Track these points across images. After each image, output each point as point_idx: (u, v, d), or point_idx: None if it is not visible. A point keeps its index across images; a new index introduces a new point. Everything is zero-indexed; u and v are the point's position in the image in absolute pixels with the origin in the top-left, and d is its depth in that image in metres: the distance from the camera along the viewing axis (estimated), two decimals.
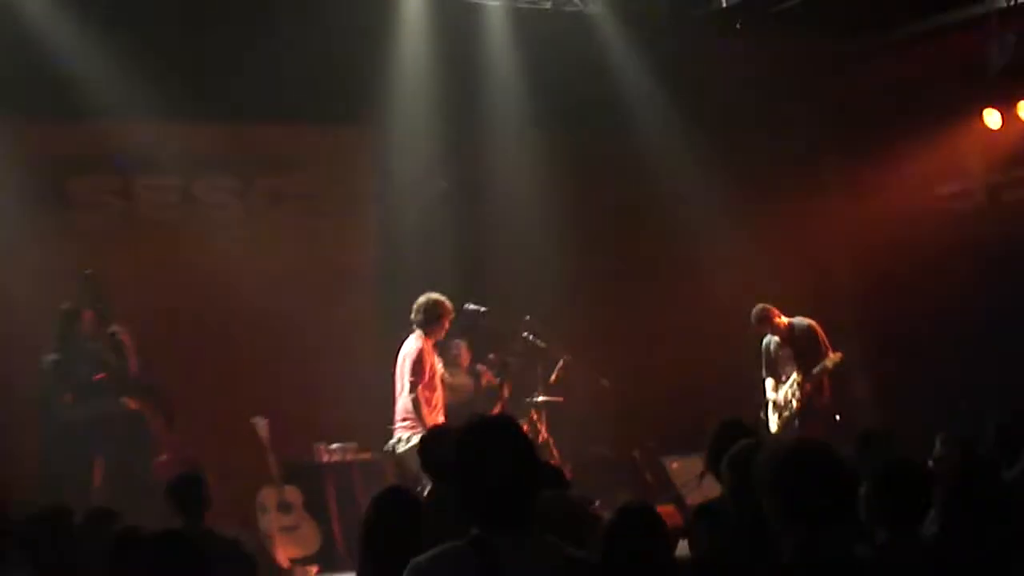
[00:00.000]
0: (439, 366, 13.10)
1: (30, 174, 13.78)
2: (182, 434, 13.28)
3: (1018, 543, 5.90)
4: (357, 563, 6.34)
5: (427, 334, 12.81)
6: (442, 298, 12.89)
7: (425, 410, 12.54)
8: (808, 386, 14.34)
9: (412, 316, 12.79)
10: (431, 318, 12.80)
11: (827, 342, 14.48)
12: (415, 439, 11.48)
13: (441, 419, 12.67)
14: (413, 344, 12.74)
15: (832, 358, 14.34)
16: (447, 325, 13.00)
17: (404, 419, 12.67)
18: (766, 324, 14.62)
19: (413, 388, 12.58)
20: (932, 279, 15.45)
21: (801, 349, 14.46)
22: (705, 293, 15.45)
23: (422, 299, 12.82)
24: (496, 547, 4.64)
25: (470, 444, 4.85)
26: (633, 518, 5.95)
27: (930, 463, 8.98)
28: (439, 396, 12.88)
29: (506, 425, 4.97)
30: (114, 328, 12.95)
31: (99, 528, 7.73)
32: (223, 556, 8.21)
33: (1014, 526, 6.27)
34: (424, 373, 12.67)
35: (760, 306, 14.58)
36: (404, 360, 12.72)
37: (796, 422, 14.37)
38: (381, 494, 6.32)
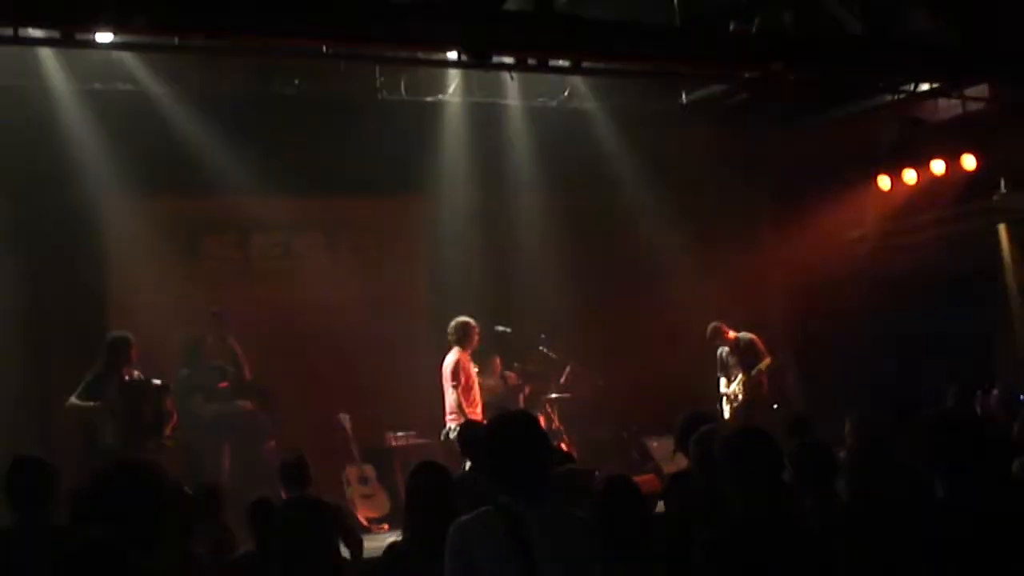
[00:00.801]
0: (475, 372, 13.08)
1: (171, 234, 13.91)
2: (285, 426, 13.27)
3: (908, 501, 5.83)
4: (404, 517, 6.30)
5: (462, 348, 12.82)
6: (468, 319, 12.93)
7: (465, 406, 12.55)
8: (750, 384, 14.32)
9: (448, 336, 12.81)
10: (462, 335, 12.85)
11: (765, 350, 14.47)
12: None
13: (479, 412, 12.69)
14: (452, 357, 12.79)
15: (766, 361, 14.35)
16: (476, 339, 13.01)
17: (451, 414, 12.67)
18: (718, 337, 14.66)
19: (455, 390, 12.60)
20: (841, 301, 15.45)
21: (745, 356, 14.47)
22: (675, 314, 15.39)
23: (453, 322, 12.89)
24: (519, 511, 4.63)
25: (498, 432, 4.88)
26: (615, 486, 5.93)
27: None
28: (475, 395, 12.88)
29: (524, 417, 5.00)
30: (231, 341, 12.96)
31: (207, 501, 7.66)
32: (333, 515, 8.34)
33: (906, 486, 6.22)
34: (461, 378, 12.67)
35: (713, 324, 14.63)
36: (445, 370, 12.77)
37: (743, 412, 14.35)
38: (417, 466, 6.36)
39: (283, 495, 11.78)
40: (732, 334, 14.59)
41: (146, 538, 4.49)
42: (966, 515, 4.63)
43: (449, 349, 12.90)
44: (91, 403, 11.20)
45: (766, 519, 4.90)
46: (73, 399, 11.25)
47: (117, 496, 4.51)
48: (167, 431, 11.39)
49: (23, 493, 6.09)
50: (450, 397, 12.69)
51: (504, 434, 4.82)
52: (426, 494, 6.07)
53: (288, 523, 6.22)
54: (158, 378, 11.65)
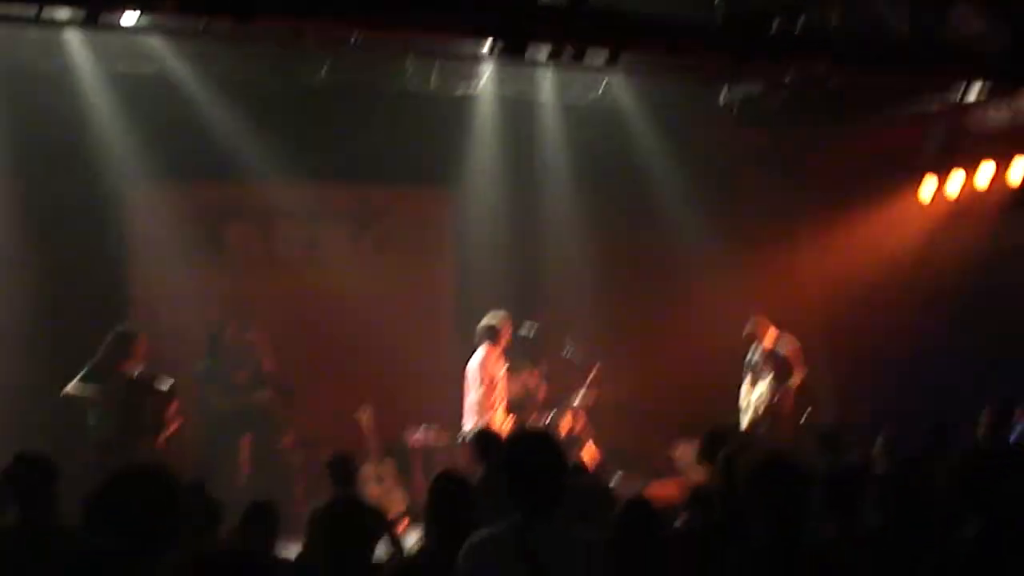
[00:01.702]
0: (502, 372, 13.00)
1: (194, 223, 13.88)
2: (304, 420, 13.29)
3: (945, 527, 5.74)
4: (424, 526, 6.40)
5: (492, 344, 12.75)
6: (501, 314, 12.84)
7: (486, 407, 12.50)
8: (777, 397, 14.16)
9: (478, 332, 12.75)
10: (492, 333, 12.76)
11: (800, 360, 14.27)
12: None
13: (502, 412, 12.64)
14: (479, 355, 12.68)
15: (796, 377, 14.15)
16: (507, 337, 12.92)
17: (471, 412, 12.60)
18: (757, 333, 14.44)
19: (477, 389, 12.53)
20: (880, 310, 15.27)
21: (778, 364, 14.27)
22: (705, 317, 15.24)
23: (484, 320, 12.79)
24: (532, 530, 4.64)
25: (515, 451, 4.87)
26: (634, 511, 5.90)
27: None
28: (499, 395, 12.80)
29: (542, 438, 4.97)
30: (251, 334, 12.94)
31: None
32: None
33: (940, 513, 6.13)
34: (486, 377, 12.60)
35: (755, 318, 14.40)
36: (472, 368, 12.66)
37: (763, 425, 14.17)
38: (439, 475, 6.41)
39: (301, 491, 11.96)
40: (773, 332, 14.37)
41: (158, 545, 4.49)
42: (995, 558, 4.56)
43: (478, 346, 12.84)
44: (89, 393, 11.08)
45: (788, 547, 4.85)
46: (70, 388, 11.10)
47: (131, 503, 4.51)
48: (163, 436, 11.24)
49: (25, 490, 6.11)
50: (472, 395, 12.65)
51: (521, 455, 4.81)
52: (446, 505, 6.10)
53: (337, 522, 6.23)
54: (168, 379, 11.52)
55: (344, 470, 8.92)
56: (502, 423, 12.53)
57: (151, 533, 4.47)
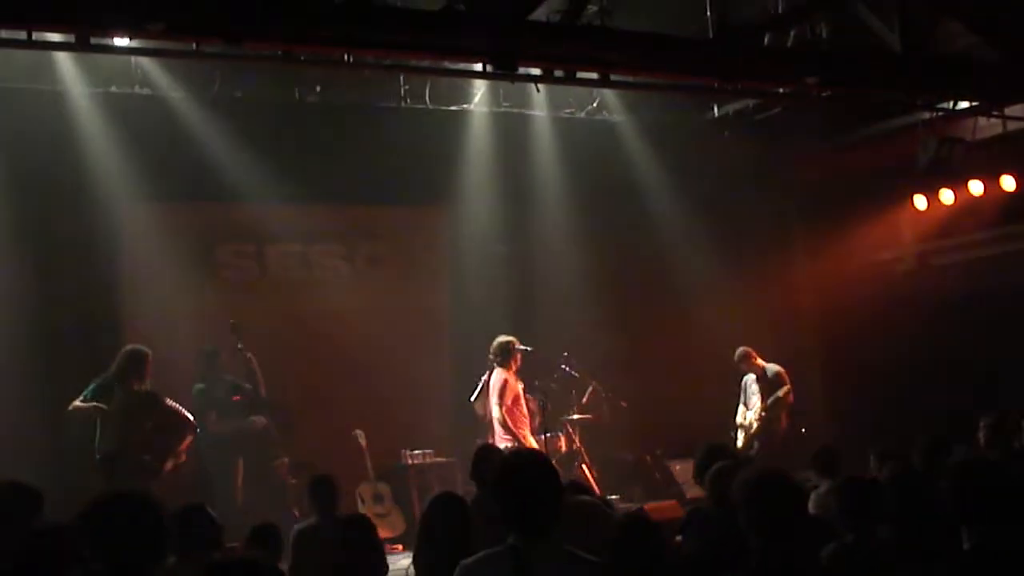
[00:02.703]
0: (521, 392, 12.88)
1: (188, 243, 13.82)
2: (299, 442, 13.23)
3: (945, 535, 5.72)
4: (415, 545, 6.43)
5: (505, 368, 12.67)
6: (511, 338, 12.75)
7: (512, 425, 12.40)
8: (766, 415, 14.18)
9: (491, 356, 12.66)
10: (505, 355, 12.67)
11: (788, 378, 14.28)
12: None
13: (527, 431, 12.60)
14: (498, 376, 12.60)
15: (785, 389, 14.15)
16: (519, 358, 12.84)
17: (499, 435, 12.48)
18: (746, 362, 14.46)
19: (500, 409, 12.42)
20: (873, 325, 15.26)
21: (769, 388, 14.27)
22: (700, 335, 15.29)
23: (496, 342, 12.69)
24: (527, 553, 4.60)
25: (508, 473, 4.82)
26: (633, 529, 5.86)
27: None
28: (523, 415, 12.72)
29: (535, 459, 4.94)
30: (248, 355, 12.92)
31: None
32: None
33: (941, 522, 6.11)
34: (509, 397, 12.50)
35: (742, 348, 14.42)
36: (493, 390, 12.57)
37: (756, 442, 14.18)
38: (435, 495, 6.36)
39: (296, 513, 11.90)
40: (760, 362, 14.41)
41: (142, 571, 4.47)
42: (991, 571, 4.55)
43: (492, 369, 12.76)
44: (94, 404, 11.10)
45: (786, 563, 4.83)
46: (77, 402, 11.15)
47: (113, 530, 4.48)
48: (170, 462, 11.30)
49: (6, 521, 6.14)
50: (496, 416, 12.52)
51: (514, 476, 4.76)
52: (441, 525, 6.07)
53: (329, 543, 6.18)
54: (188, 415, 11.66)
55: (325, 492, 8.84)
56: (529, 441, 12.46)
57: (134, 559, 4.44)
